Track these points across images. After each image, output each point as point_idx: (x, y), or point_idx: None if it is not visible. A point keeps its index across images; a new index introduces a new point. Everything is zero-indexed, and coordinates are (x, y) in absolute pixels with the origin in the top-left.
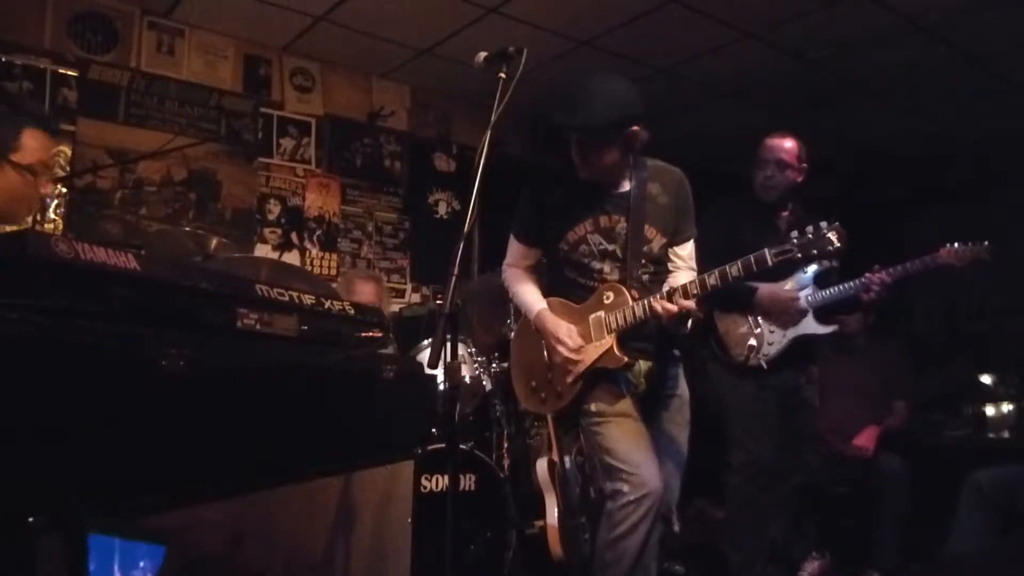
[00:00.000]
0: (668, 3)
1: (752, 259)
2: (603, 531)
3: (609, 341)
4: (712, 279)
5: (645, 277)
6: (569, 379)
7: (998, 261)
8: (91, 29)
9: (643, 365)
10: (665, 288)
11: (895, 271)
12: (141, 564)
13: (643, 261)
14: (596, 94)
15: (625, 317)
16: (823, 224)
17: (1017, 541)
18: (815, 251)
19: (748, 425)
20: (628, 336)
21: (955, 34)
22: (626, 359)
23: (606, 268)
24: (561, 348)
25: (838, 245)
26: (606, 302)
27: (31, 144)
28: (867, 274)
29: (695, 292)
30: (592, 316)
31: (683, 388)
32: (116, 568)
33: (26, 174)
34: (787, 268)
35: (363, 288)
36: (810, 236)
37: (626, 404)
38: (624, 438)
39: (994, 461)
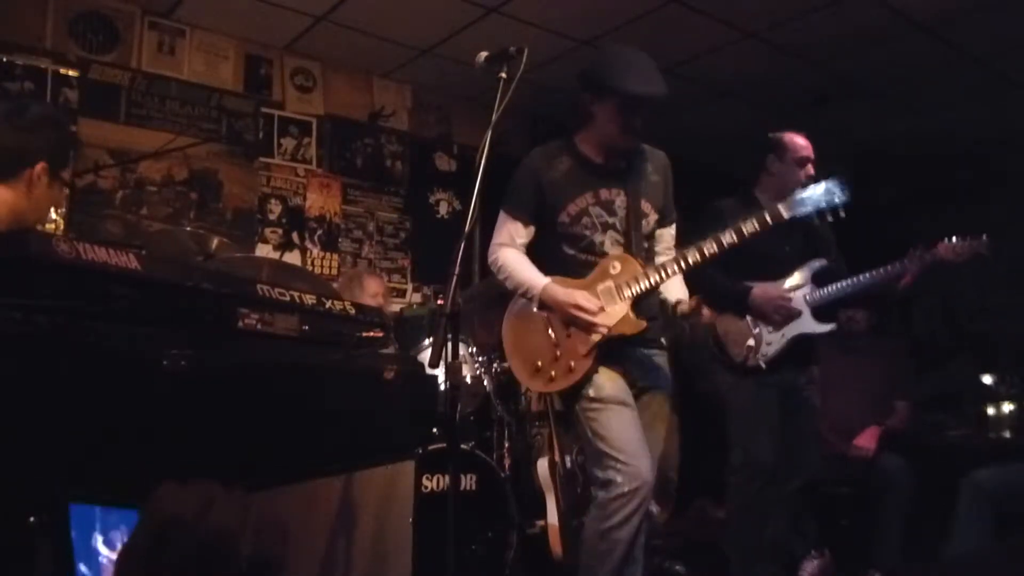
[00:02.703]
0: (668, 3)
1: (767, 215)
2: (593, 522)
3: (624, 307)
4: (728, 237)
5: (645, 246)
6: (583, 350)
7: (998, 261)
8: (92, 29)
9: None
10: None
11: (893, 268)
12: (121, 528)
13: (643, 233)
14: (653, 67)
15: (639, 283)
16: (823, 180)
17: (1017, 541)
18: (824, 203)
19: (748, 425)
20: (641, 305)
21: (955, 34)
22: (644, 323)
23: (607, 240)
24: (583, 315)
25: (843, 195)
26: (613, 272)
27: (71, 162)
28: (903, 260)
29: (713, 250)
30: (600, 287)
31: (668, 381)
32: (97, 534)
33: (65, 190)
34: (785, 266)
35: (374, 285)
36: (817, 191)
37: (624, 393)
38: (620, 427)
39: (995, 461)
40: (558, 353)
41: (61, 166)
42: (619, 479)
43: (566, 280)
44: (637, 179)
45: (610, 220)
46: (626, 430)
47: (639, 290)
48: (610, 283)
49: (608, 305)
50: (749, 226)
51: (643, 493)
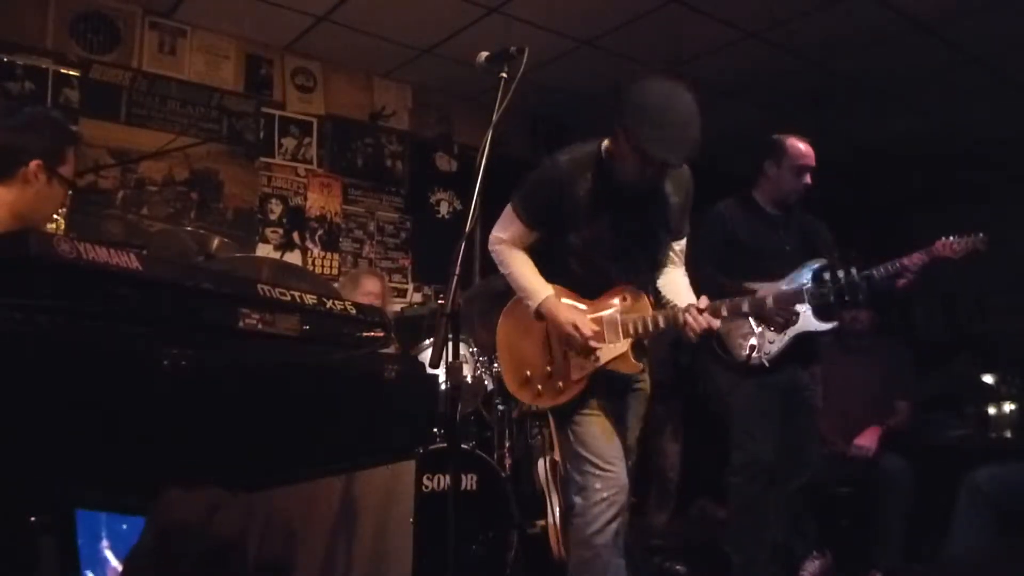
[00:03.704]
0: (668, 3)
1: (791, 294)
2: (576, 530)
3: (624, 346)
4: (746, 307)
5: (656, 274)
6: (575, 375)
7: (999, 261)
8: (93, 29)
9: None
10: (667, 296)
11: (893, 267)
12: (127, 534)
13: (656, 261)
14: (696, 124)
15: (646, 325)
16: (852, 270)
17: (1017, 541)
18: (847, 297)
19: (750, 425)
20: (639, 346)
21: (955, 34)
22: (641, 366)
23: (617, 267)
24: (577, 336)
25: (869, 292)
26: (622, 304)
27: (71, 158)
28: (904, 258)
29: (725, 314)
30: (606, 316)
31: (647, 382)
32: (104, 540)
33: (66, 187)
34: (786, 266)
35: (369, 284)
36: (843, 281)
37: (608, 403)
38: (603, 434)
39: (996, 461)
40: (549, 370)
41: (57, 163)
42: (598, 485)
43: (572, 295)
44: (658, 203)
45: (624, 246)
46: (607, 437)
47: (643, 331)
48: (616, 315)
49: (609, 338)
50: (770, 301)
51: (622, 498)
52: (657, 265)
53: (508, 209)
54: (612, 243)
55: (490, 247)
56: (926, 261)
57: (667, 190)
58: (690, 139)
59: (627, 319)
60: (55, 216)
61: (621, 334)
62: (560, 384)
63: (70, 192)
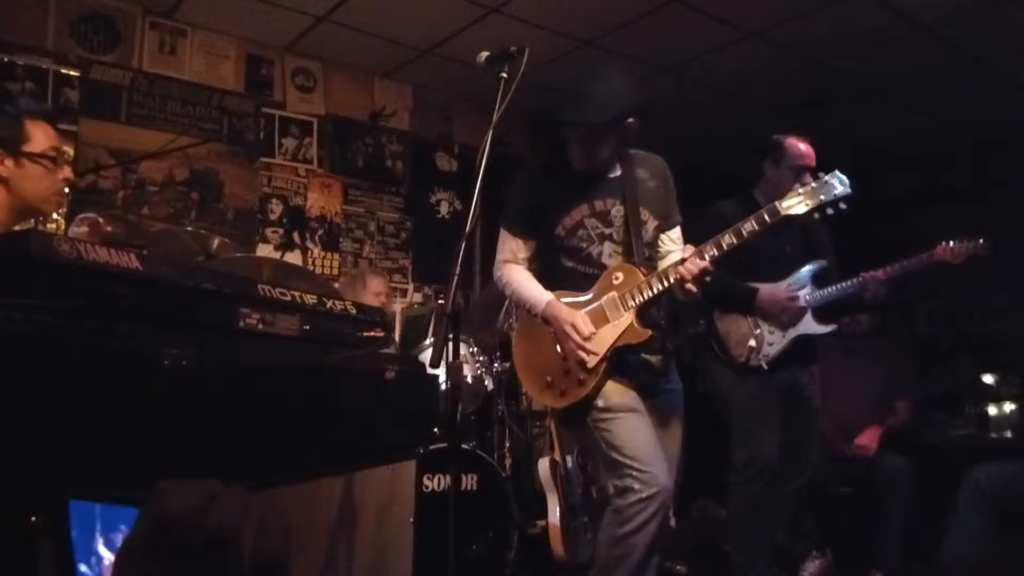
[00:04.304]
0: (669, 3)
1: (765, 213)
2: (609, 527)
3: (629, 318)
4: (728, 238)
5: (647, 254)
6: (592, 363)
7: (999, 261)
8: (93, 29)
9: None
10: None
11: (891, 269)
12: (121, 528)
13: (644, 241)
14: (600, 90)
15: (642, 292)
16: (822, 174)
17: (1017, 541)
18: (823, 197)
19: (750, 424)
20: (645, 314)
21: (955, 34)
22: (649, 332)
23: (605, 251)
24: (574, 336)
25: (842, 189)
26: (616, 283)
27: (37, 133)
28: (863, 273)
29: (712, 253)
30: (605, 298)
31: (678, 382)
32: (97, 534)
33: (45, 162)
34: (786, 267)
35: (377, 284)
36: (814, 185)
37: (634, 399)
38: (634, 435)
39: (996, 461)
40: (567, 367)
41: (19, 142)
42: (636, 486)
43: (571, 295)
44: (633, 186)
45: (607, 231)
46: (638, 437)
47: (643, 299)
48: (614, 294)
49: (613, 317)
50: (748, 226)
51: (661, 499)
52: (646, 244)
53: (500, 231)
54: (593, 227)
55: (495, 274)
56: (926, 264)
57: (640, 175)
58: (602, 97)
59: (624, 293)
60: (56, 216)
61: (622, 308)
62: (581, 376)
63: (65, 165)
